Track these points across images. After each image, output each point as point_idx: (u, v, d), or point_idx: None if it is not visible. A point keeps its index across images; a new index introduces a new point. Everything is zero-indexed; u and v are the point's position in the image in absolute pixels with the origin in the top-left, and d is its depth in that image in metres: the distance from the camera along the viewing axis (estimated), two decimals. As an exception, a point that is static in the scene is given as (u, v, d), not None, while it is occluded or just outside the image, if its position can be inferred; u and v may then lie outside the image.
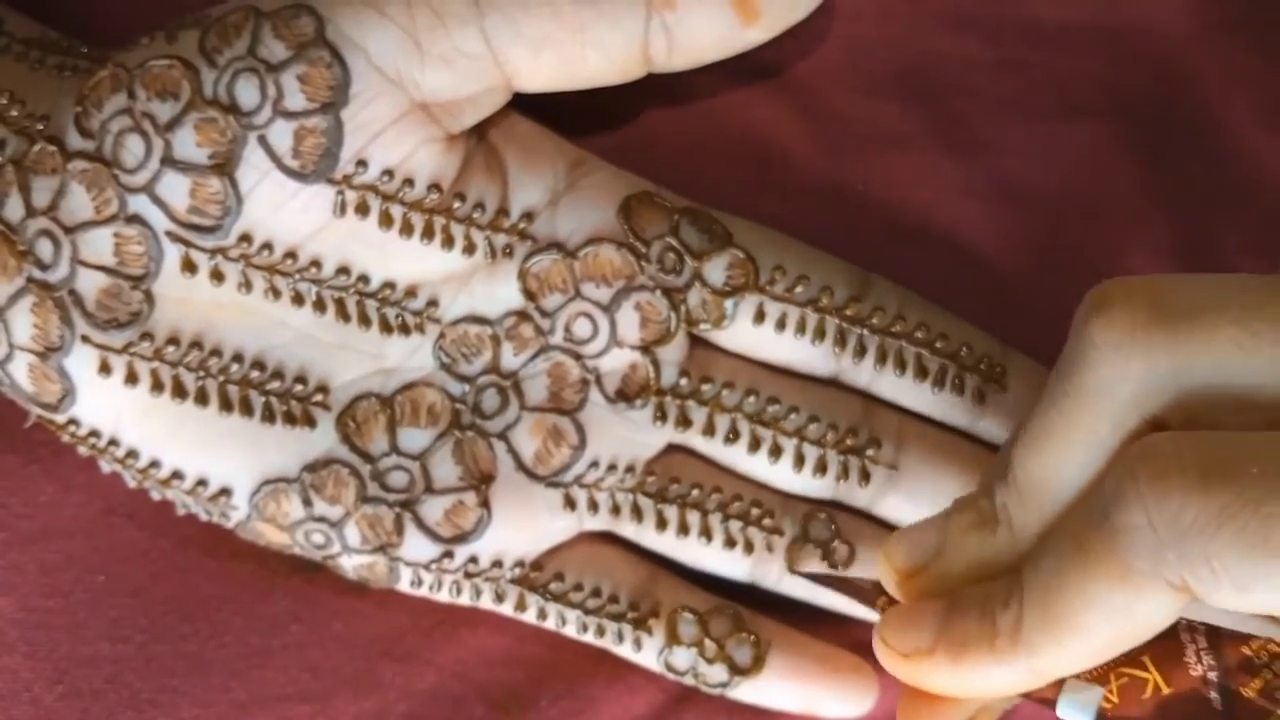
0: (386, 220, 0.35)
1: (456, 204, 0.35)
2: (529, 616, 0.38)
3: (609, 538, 0.38)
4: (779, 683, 0.37)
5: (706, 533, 0.37)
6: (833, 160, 0.39)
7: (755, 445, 0.37)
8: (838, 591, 0.34)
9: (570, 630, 0.38)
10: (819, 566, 0.37)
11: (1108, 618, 0.27)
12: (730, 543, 0.37)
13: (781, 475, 0.37)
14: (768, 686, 0.38)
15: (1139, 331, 0.27)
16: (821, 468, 0.37)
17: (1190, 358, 0.27)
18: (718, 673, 0.37)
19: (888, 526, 0.37)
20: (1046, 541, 0.29)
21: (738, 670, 0.37)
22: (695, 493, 0.37)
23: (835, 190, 0.39)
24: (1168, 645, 0.30)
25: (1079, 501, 0.29)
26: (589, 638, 0.38)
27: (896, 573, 0.31)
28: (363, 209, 0.35)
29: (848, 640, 0.38)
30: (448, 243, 0.35)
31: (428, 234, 0.35)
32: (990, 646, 0.29)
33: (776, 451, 0.37)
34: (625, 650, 0.38)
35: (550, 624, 0.38)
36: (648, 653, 0.37)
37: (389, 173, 0.35)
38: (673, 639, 0.37)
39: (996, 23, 0.39)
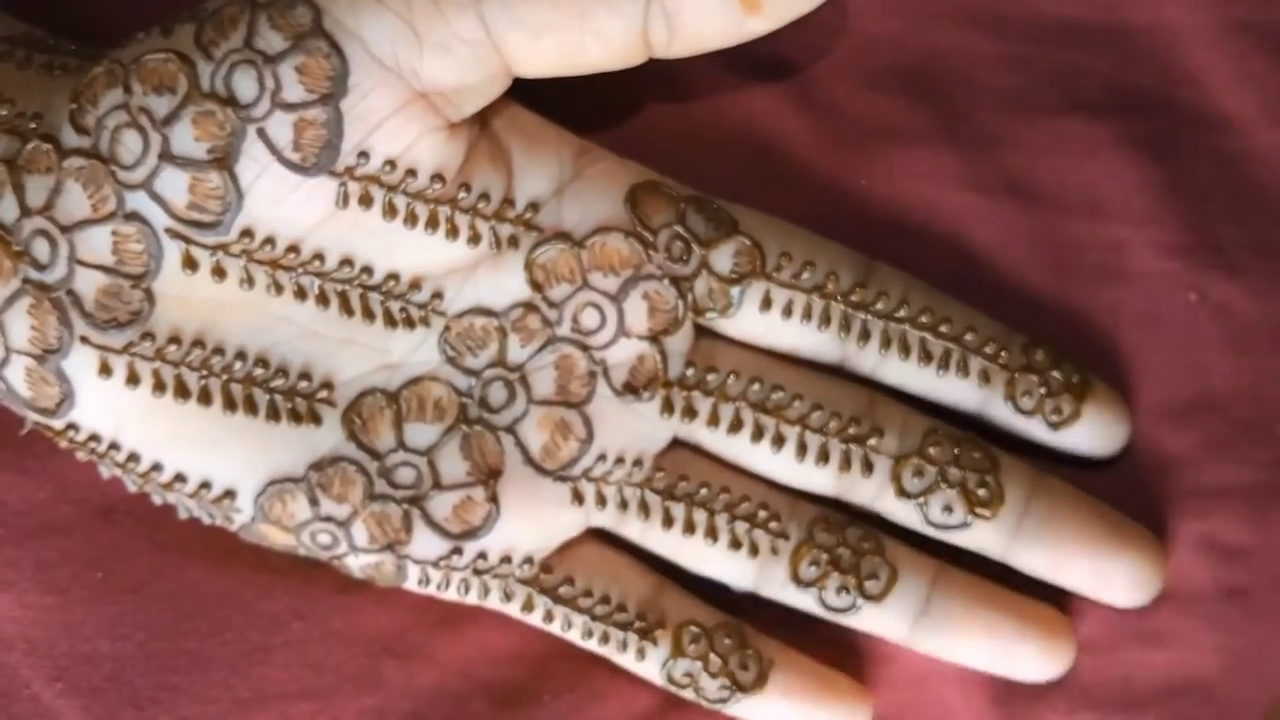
0: (390, 211, 0.34)
1: (461, 194, 0.35)
2: (535, 618, 0.37)
3: (619, 544, 0.38)
4: (779, 702, 0.37)
5: (712, 533, 0.37)
6: (836, 155, 0.39)
7: (759, 434, 0.36)
8: None
9: (575, 635, 0.37)
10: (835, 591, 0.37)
11: None
12: (735, 544, 0.37)
13: (785, 465, 0.37)
14: (767, 705, 0.37)
15: None
16: (824, 456, 0.36)
17: None
18: (718, 688, 0.37)
19: (894, 530, 0.37)
20: None
21: (739, 686, 0.37)
22: (703, 491, 0.37)
23: (838, 185, 0.39)
24: None
25: None
26: (593, 644, 0.37)
27: None
28: (366, 200, 0.34)
29: (844, 644, 0.38)
30: (452, 233, 0.35)
31: (432, 224, 0.35)
32: None
33: (779, 440, 0.36)
34: (628, 660, 0.37)
35: (556, 627, 0.37)
36: (650, 663, 0.37)
37: (391, 163, 0.34)
38: (678, 651, 0.37)
39: (1002, 18, 0.39)
